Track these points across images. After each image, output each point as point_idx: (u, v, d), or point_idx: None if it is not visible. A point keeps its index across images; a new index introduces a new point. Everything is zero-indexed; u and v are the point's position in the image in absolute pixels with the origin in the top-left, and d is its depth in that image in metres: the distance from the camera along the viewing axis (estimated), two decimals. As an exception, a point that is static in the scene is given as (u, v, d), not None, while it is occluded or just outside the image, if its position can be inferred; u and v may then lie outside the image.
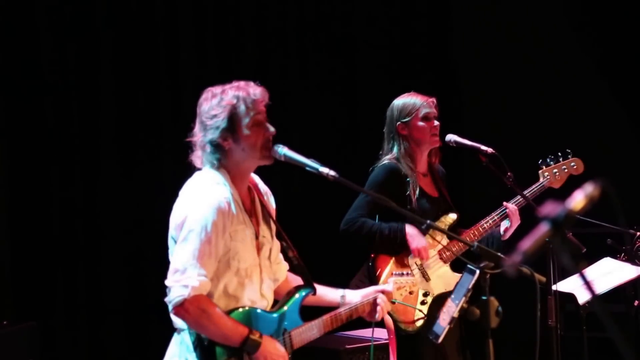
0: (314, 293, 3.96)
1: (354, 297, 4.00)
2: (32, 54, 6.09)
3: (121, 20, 6.42)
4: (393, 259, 4.88)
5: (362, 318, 4.05)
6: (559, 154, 5.22)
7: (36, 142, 6.10)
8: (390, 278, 4.21)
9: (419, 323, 4.80)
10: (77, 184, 6.22)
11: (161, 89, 6.62)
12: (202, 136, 3.73)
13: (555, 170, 5.19)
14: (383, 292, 4.04)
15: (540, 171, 5.21)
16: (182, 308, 3.56)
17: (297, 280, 3.99)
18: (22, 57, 6.05)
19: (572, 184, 4.87)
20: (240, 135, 3.69)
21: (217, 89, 3.73)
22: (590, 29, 9.10)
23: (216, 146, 3.70)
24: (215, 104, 3.69)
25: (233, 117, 3.67)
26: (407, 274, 4.40)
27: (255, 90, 3.73)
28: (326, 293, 4.01)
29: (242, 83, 3.75)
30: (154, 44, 6.57)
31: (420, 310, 4.82)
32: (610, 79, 9.04)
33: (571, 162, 5.22)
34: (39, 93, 6.09)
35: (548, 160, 5.21)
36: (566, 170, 5.21)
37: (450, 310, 4.59)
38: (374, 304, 3.99)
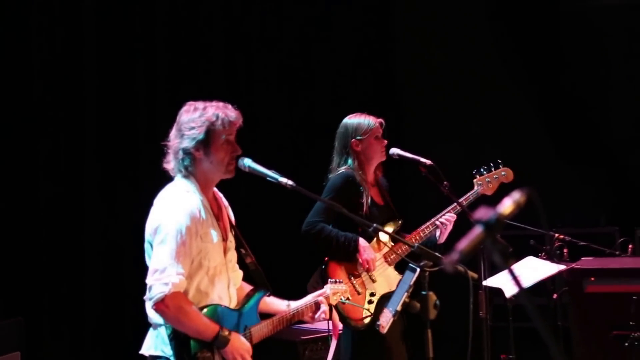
0: (270, 294, 3.98)
1: (297, 304, 4.02)
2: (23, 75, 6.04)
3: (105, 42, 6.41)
4: (342, 264, 4.88)
5: (304, 320, 4.10)
6: (491, 164, 5.21)
7: (21, 143, 6.04)
8: (326, 285, 4.22)
9: (367, 320, 4.81)
10: (62, 187, 6.17)
11: (139, 105, 6.60)
12: (177, 142, 3.74)
13: (487, 179, 5.18)
14: (322, 295, 4.08)
15: (474, 180, 5.19)
16: (162, 304, 3.55)
17: (249, 288, 3.99)
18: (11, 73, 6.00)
19: (503, 191, 4.91)
20: (212, 149, 3.72)
21: (199, 104, 3.75)
22: (515, 47, 9.18)
23: (188, 154, 3.72)
24: (196, 117, 3.71)
25: (209, 133, 3.70)
26: (340, 281, 4.39)
27: (232, 113, 3.76)
28: (274, 302, 4.02)
29: (221, 104, 3.77)
30: (133, 60, 6.57)
31: (367, 309, 4.83)
32: (534, 96, 9.16)
33: (502, 171, 5.20)
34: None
35: (481, 170, 5.19)
36: (497, 179, 5.19)
37: (394, 304, 4.64)
38: (316, 307, 4.03)
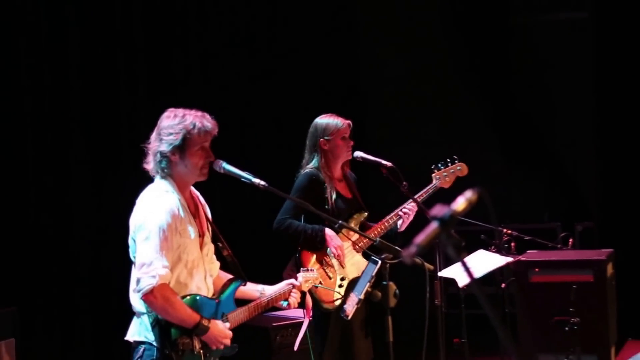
0: (245, 284, 3.98)
1: (269, 291, 4.02)
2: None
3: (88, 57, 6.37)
4: (313, 253, 4.89)
5: (277, 307, 4.09)
6: (447, 160, 5.19)
7: (12, 138, 5.98)
8: (298, 274, 4.23)
9: (337, 302, 4.81)
10: (52, 186, 6.12)
11: (121, 111, 6.57)
12: (156, 146, 3.74)
13: (445, 174, 5.15)
14: (293, 285, 4.08)
15: (432, 175, 5.17)
16: (151, 295, 3.55)
17: (226, 276, 3.98)
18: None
19: (457, 190, 4.93)
20: (187, 154, 3.72)
21: (179, 112, 3.75)
22: (469, 57, 9.23)
23: (165, 157, 3.71)
24: (175, 124, 3.71)
25: (186, 139, 3.70)
26: (312, 270, 4.40)
27: (208, 123, 3.75)
28: (249, 288, 4.01)
29: (200, 113, 3.77)
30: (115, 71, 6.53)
31: (339, 293, 4.85)
32: (485, 104, 9.21)
33: (457, 166, 5.17)
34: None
35: (439, 165, 5.17)
36: (453, 173, 5.17)
37: (357, 293, 4.66)
38: (287, 295, 4.03)
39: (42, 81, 6.11)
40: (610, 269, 6.26)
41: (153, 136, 3.78)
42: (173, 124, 3.71)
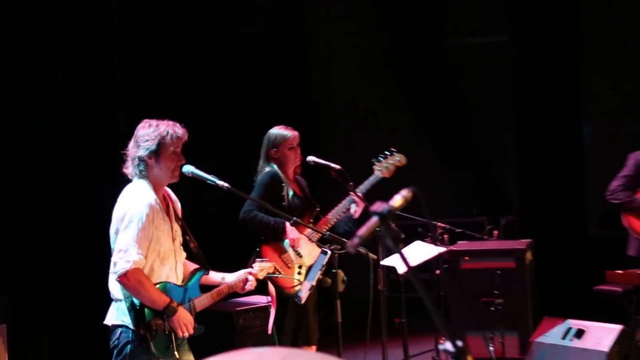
0: (208, 273, 3.97)
1: (230, 278, 4.01)
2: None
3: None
4: (273, 245, 4.87)
5: (237, 292, 4.07)
6: (387, 152, 5.09)
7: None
8: (254, 264, 4.21)
9: (297, 288, 4.81)
10: (39, 188, 6.01)
11: (103, 121, 6.49)
12: (135, 151, 3.76)
13: (385, 165, 5.05)
14: (250, 272, 4.06)
15: (374, 166, 5.06)
16: (125, 277, 3.56)
17: (192, 266, 3.97)
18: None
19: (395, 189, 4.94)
20: (161, 158, 3.74)
21: (153, 122, 3.78)
22: (407, 75, 9.28)
23: (142, 161, 3.73)
24: (151, 132, 3.74)
25: (160, 145, 3.73)
26: (266, 260, 4.39)
27: (180, 130, 3.79)
28: (212, 276, 4.00)
29: (171, 122, 3.80)
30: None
31: (298, 279, 4.83)
32: (421, 115, 9.27)
33: (396, 157, 5.08)
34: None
35: (380, 157, 5.08)
36: (393, 163, 5.07)
37: (310, 280, 4.66)
38: (245, 282, 4.01)
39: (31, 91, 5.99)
40: (529, 256, 6.35)
41: (131, 144, 3.80)
42: (149, 132, 3.75)
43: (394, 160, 5.09)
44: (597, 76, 8.82)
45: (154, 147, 3.72)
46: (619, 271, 5.93)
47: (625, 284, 5.97)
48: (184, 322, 3.71)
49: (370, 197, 4.99)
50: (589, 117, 8.94)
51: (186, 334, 3.73)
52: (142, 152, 3.73)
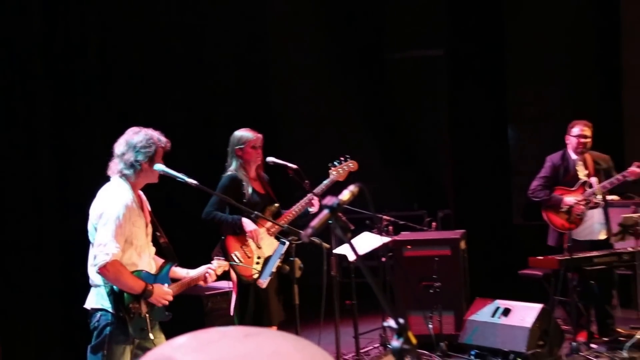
0: (177, 265, 3.94)
1: (193, 273, 3.99)
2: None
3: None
4: (235, 237, 4.87)
5: (198, 284, 4.06)
6: (341, 158, 5.10)
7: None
8: (213, 261, 4.20)
9: (255, 276, 4.80)
10: (26, 190, 5.85)
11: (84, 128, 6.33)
12: (133, 156, 3.69)
13: (339, 169, 5.06)
14: (210, 268, 4.04)
15: (329, 170, 5.08)
16: (104, 268, 3.53)
17: (159, 261, 3.93)
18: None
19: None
20: (154, 162, 3.73)
21: (143, 129, 3.74)
22: (355, 84, 9.32)
23: (139, 164, 3.69)
24: (147, 138, 3.70)
25: (157, 151, 3.72)
26: (224, 258, 4.38)
27: (164, 139, 3.78)
28: (179, 270, 3.98)
29: (157, 132, 3.77)
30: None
31: (256, 269, 4.83)
32: (367, 120, 9.32)
33: (349, 163, 5.09)
34: None
35: (335, 163, 5.09)
36: (346, 168, 5.09)
37: (270, 267, 4.67)
38: (205, 276, 3.99)
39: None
40: (463, 245, 6.43)
41: (123, 148, 3.72)
42: (145, 138, 3.71)
43: (347, 165, 5.11)
44: (520, 86, 8.98)
45: (152, 152, 3.69)
46: (540, 257, 6.05)
47: (545, 268, 6.09)
48: (161, 296, 3.71)
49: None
50: (513, 122, 9.08)
51: (166, 303, 3.73)
52: (142, 157, 3.69)
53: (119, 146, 3.75)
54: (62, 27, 6.06)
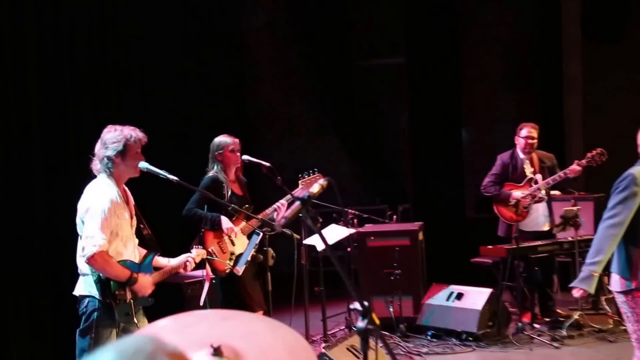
0: (159, 255, 3.92)
1: (174, 261, 3.96)
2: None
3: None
4: (213, 233, 4.84)
5: (179, 272, 4.04)
6: (310, 171, 5.10)
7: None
8: (192, 249, 4.18)
9: (228, 271, 4.76)
10: (14, 192, 5.74)
11: (70, 126, 6.24)
12: (103, 152, 3.67)
13: (308, 181, 5.05)
14: (189, 257, 4.01)
15: (299, 181, 5.07)
16: (92, 259, 3.50)
17: (142, 251, 3.89)
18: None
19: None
20: (127, 157, 3.68)
21: (118, 127, 3.70)
22: (322, 91, 9.33)
23: (110, 160, 3.66)
24: (117, 135, 3.66)
25: (126, 146, 3.66)
26: (203, 247, 4.36)
27: (140, 134, 3.72)
28: (161, 260, 3.94)
29: (132, 127, 3.73)
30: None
31: (229, 264, 4.82)
32: (335, 125, 9.32)
33: (317, 176, 5.07)
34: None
35: (304, 174, 5.09)
36: (314, 180, 5.06)
37: (245, 256, 4.67)
38: (185, 264, 3.96)
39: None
40: (421, 236, 6.49)
41: (98, 146, 3.70)
42: (115, 135, 3.67)
43: (315, 178, 5.07)
44: (473, 92, 9.08)
45: (120, 147, 3.64)
46: (490, 247, 6.15)
47: (495, 256, 6.19)
48: (144, 286, 3.69)
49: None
50: (467, 124, 9.18)
51: (147, 293, 3.70)
52: (111, 152, 3.64)
53: (97, 145, 3.74)
54: (49, 22, 5.91)
